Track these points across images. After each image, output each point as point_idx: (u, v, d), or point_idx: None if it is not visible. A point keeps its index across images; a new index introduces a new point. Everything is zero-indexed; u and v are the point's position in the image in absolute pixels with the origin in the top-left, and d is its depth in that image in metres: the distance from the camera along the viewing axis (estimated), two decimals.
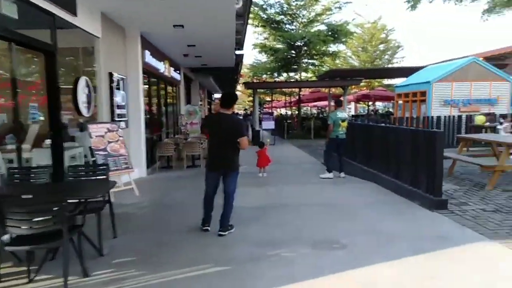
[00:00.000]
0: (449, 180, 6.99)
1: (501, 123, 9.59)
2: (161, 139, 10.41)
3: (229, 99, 4.53)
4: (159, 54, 9.74)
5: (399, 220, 4.79)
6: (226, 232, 4.34)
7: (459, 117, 11.69)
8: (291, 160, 10.77)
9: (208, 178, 4.50)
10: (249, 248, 3.87)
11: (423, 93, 12.53)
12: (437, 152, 5.25)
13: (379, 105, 37.01)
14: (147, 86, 9.15)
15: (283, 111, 37.13)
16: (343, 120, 7.76)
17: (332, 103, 31.67)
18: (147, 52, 8.60)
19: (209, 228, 4.48)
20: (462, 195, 5.93)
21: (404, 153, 6.21)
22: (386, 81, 30.70)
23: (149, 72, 9.06)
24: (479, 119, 10.49)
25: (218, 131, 4.41)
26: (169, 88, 11.87)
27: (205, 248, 3.94)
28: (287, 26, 19.99)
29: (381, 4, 62.67)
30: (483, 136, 7.09)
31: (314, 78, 23.53)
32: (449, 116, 11.78)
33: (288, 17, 19.43)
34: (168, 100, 11.79)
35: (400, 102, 14.39)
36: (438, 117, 11.71)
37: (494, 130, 10.55)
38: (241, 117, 15.68)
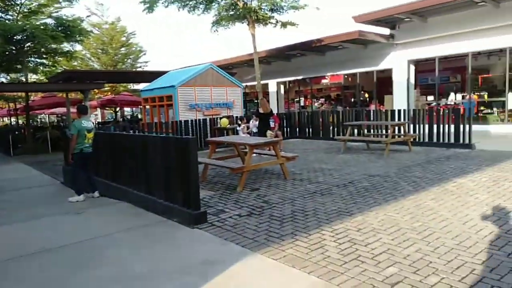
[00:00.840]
0: (203, 186, 6.75)
1: (239, 125, 10.50)
2: None
3: None
4: None
5: (156, 251, 3.92)
6: None
7: (204, 120, 12.16)
8: (18, 184, 8.21)
9: None
10: None
11: (169, 97, 12.37)
12: (192, 160, 4.71)
13: (128, 110, 35.97)
14: None
15: (8, 120, 30.21)
16: (89, 131, 6.47)
17: (74, 110, 28.37)
18: None
19: None
20: (218, 201, 5.70)
21: (155, 164, 5.44)
22: (133, 86, 29.98)
23: None
24: (223, 122, 11.20)
25: None
26: None
27: None
28: (1, 14, 15.90)
29: (120, 4, 60.93)
30: (229, 138, 7.31)
31: (46, 81, 19.91)
32: (196, 120, 12.08)
33: (1, 4, 15.43)
34: None
35: (148, 107, 13.82)
36: (186, 121, 11.79)
37: (234, 131, 11.51)
38: None
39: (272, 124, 10.73)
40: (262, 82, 16.77)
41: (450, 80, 16.86)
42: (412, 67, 16.41)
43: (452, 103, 15.56)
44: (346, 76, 19.37)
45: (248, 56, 18.71)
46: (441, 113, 10.46)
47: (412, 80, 16.43)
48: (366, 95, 20.62)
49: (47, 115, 31.52)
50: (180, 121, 11.76)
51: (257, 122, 10.63)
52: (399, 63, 16.31)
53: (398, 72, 16.44)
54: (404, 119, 10.75)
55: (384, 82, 17.66)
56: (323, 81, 20.87)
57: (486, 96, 15.20)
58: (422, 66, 16.69)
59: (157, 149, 5.37)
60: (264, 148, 8.09)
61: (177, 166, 4.95)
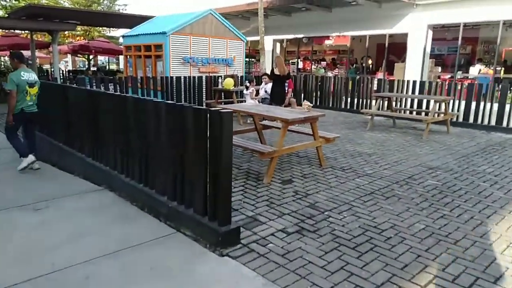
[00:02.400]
0: None
1: (246, 88, 8.62)
2: None
3: None
4: None
5: None
6: None
7: (200, 78, 10.16)
8: None
9: None
10: None
11: (159, 47, 10.21)
12: (224, 145, 2.98)
13: (101, 59, 32.70)
14: None
15: None
16: (31, 85, 5.14)
17: (41, 55, 25.06)
18: None
19: None
20: (244, 201, 4.04)
21: (160, 143, 3.66)
22: (109, 32, 26.90)
23: None
24: (227, 83, 9.19)
25: None
26: None
27: None
28: None
29: None
30: (252, 110, 5.52)
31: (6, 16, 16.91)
32: (190, 77, 10.09)
33: None
34: None
35: (130, 57, 11.60)
36: (179, 78, 9.79)
37: (239, 95, 9.65)
38: None
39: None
40: (256, 38, 14.68)
41: (471, 51, 15.37)
42: (431, 33, 14.70)
43: (473, 76, 14.07)
44: (353, 38, 17.44)
45: (247, 6, 16.40)
46: (481, 89, 8.95)
47: (429, 49, 14.78)
48: (370, 61, 18.92)
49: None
50: (171, 78, 9.75)
51: (267, 86, 8.80)
52: (417, 27, 14.50)
53: (414, 37, 14.66)
54: (432, 94, 9.22)
55: (395, 48, 15.94)
56: (327, 42, 18.84)
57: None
58: (440, 33, 15.02)
59: (165, 122, 3.57)
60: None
61: (197, 150, 3.21)
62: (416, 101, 9.68)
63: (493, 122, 8.58)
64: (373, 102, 8.93)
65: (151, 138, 3.76)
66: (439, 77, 14.69)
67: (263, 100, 8.76)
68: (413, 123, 9.20)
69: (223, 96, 9.83)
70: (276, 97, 8.21)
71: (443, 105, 8.42)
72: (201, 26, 10.55)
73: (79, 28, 24.45)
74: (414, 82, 9.91)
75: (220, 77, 10.22)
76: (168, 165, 3.57)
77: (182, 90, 9.90)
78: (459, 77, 14.38)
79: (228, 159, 3.01)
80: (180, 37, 10.14)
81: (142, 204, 3.88)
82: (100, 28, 25.73)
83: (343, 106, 11.36)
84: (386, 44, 15.87)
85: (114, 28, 24.72)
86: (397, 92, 10.06)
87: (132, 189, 4.05)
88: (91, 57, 23.18)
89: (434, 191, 4.43)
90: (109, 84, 8.82)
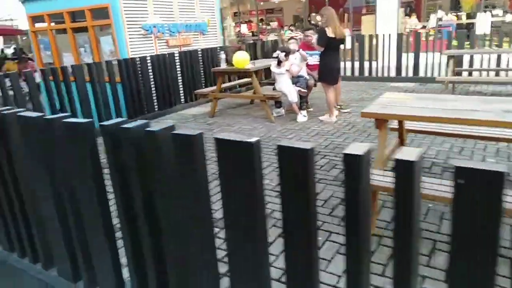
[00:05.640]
0: None
1: (279, 63, 5.33)
2: None
3: None
4: None
5: None
6: None
7: (194, 55, 6.64)
8: None
9: None
10: None
11: (100, 13, 6.25)
12: None
13: None
14: None
15: None
16: None
17: None
18: None
19: None
20: None
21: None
22: None
23: None
24: (241, 60, 5.59)
25: None
26: None
27: None
28: None
29: None
30: (437, 113, 2.57)
31: None
32: (164, 56, 6.52)
33: None
34: None
35: (43, 35, 7.29)
36: (144, 59, 6.18)
37: (262, 77, 6.36)
38: None
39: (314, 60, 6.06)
40: None
41: None
42: None
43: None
44: None
45: None
46: None
47: None
48: (318, 18, 16.59)
49: None
50: (134, 60, 6.06)
51: (301, 58, 5.80)
52: None
53: None
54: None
55: None
56: None
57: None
58: None
59: None
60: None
61: None
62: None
63: None
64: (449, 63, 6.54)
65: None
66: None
67: (296, 80, 5.74)
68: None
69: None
70: (329, 74, 5.31)
71: None
72: None
73: None
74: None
75: (220, 50, 6.88)
76: None
77: (161, 77, 6.37)
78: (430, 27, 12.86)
79: None
80: None
81: None
82: None
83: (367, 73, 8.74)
84: None
85: None
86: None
87: None
88: None
89: None
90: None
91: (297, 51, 5.81)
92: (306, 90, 5.76)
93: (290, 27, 15.26)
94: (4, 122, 1.80)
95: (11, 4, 18.29)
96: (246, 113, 6.48)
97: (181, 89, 7.10)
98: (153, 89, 6.54)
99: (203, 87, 7.33)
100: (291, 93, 5.56)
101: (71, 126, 1.50)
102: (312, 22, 17.74)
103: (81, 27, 6.58)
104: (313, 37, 5.91)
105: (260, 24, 16.74)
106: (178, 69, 6.93)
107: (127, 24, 6.17)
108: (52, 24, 6.96)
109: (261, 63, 6.40)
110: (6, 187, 1.97)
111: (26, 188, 1.86)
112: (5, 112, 1.79)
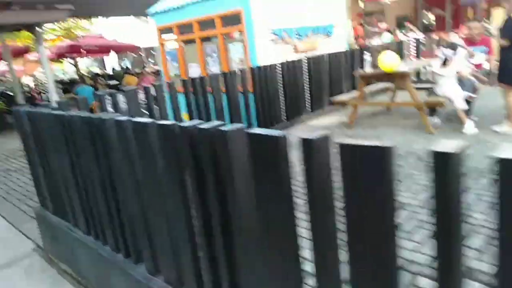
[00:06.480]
0: None
1: (445, 62, 4.43)
2: None
3: None
4: None
5: None
6: None
7: (337, 58, 6.01)
8: None
9: None
10: None
11: (231, 19, 5.98)
12: None
13: (87, 62, 27.69)
14: None
15: None
16: None
17: (20, 67, 19.80)
18: None
19: None
20: None
21: None
22: (94, 26, 22.25)
23: None
24: (391, 62, 4.94)
25: None
26: None
27: None
28: None
29: None
30: None
31: None
32: (294, 63, 6.01)
33: None
34: None
35: (171, 46, 7.33)
36: (274, 66, 5.69)
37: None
38: None
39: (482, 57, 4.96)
40: None
41: None
42: None
43: None
44: None
45: None
46: None
47: None
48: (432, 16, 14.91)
49: None
50: (266, 67, 5.62)
51: (466, 56, 4.78)
52: None
53: None
54: None
55: None
56: None
57: None
58: None
59: None
60: None
61: None
62: None
63: None
64: None
65: None
66: None
67: (461, 84, 4.72)
68: None
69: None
70: None
71: None
72: None
73: (57, 25, 19.81)
74: None
75: (365, 53, 6.20)
76: None
77: (290, 85, 5.88)
78: None
79: None
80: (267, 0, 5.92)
81: None
82: (79, 22, 20.93)
83: None
84: None
85: (113, 16, 18.77)
86: None
87: None
88: (78, 58, 18.51)
89: None
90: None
91: (461, 46, 4.81)
92: (475, 95, 4.72)
93: (404, 25, 13.88)
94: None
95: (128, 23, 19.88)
96: (389, 123, 5.60)
97: (307, 97, 6.51)
98: (281, 98, 6.04)
99: (330, 94, 6.66)
100: (459, 99, 4.56)
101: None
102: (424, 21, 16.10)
103: (207, 36, 6.38)
104: (481, 30, 4.85)
105: (367, 26, 15.60)
106: (305, 76, 6.36)
107: (257, 32, 5.76)
108: (177, 34, 6.90)
109: (412, 64, 5.48)
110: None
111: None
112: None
